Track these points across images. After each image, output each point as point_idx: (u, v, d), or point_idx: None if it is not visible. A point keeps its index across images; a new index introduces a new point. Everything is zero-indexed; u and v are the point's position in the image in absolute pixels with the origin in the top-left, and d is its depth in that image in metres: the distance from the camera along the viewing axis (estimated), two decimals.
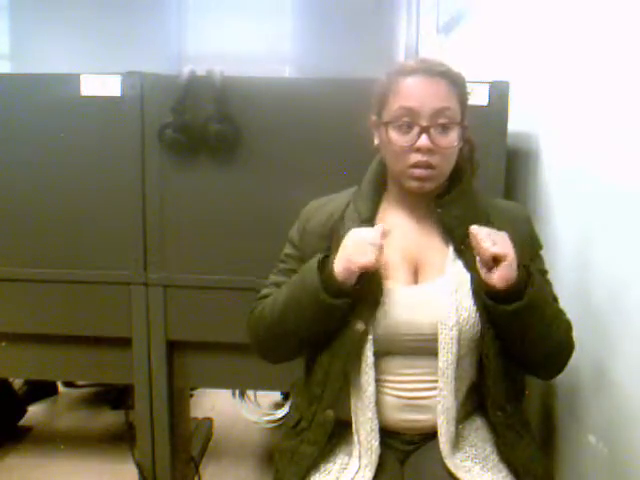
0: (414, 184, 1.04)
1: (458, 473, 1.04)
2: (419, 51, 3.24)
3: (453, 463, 1.04)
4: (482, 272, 0.98)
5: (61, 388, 2.56)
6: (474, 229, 0.98)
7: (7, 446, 2.11)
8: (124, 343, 1.61)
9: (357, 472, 1.05)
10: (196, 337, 1.62)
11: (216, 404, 2.44)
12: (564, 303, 1.27)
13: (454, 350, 1.03)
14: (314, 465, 1.08)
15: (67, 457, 2.06)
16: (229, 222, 1.55)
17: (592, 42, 1.22)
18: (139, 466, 1.70)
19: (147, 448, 1.68)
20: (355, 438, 1.07)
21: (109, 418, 2.35)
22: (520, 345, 1.05)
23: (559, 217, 1.38)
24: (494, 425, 1.08)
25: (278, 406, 2.23)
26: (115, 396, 2.39)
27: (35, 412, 2.37)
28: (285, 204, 1.45)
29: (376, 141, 1.11)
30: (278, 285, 1.15)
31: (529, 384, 1.20)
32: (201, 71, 1.49)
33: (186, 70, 1.48)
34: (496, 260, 0.96)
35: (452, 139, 1.03)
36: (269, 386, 1.75)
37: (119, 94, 1.51)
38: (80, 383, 2.53)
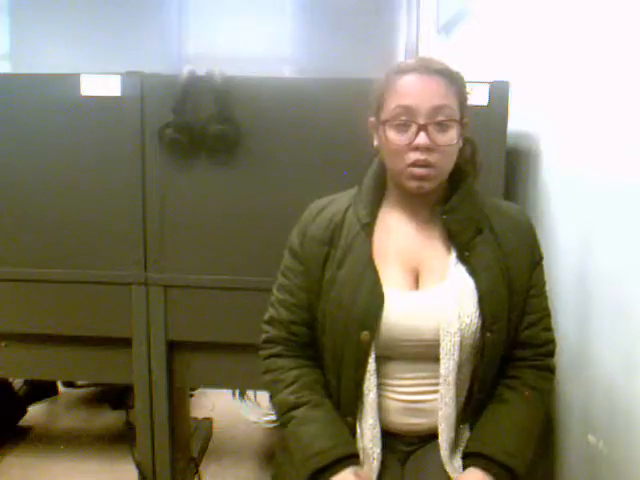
0: (413, 183, 1.03)
1: (457, 476, 1.04)
2: (419, 51, 3.24)
3: (452, 467, 1.05)
4: None
5: (61, 388, 2.56)
6: None
7: (7, 446, 2.10)
8: (124, 343, 1.61)
9: None
10: (196, 337, 1.62)
11: (216, 404, 2.44)
12: (564, 303, 1.27)
13: (456, 357, 1.03)
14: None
15: (67, 457, 2.06)
16: (229, 222, 1.55)
17: (592, 42, 1.22)
18: (139, 466, 1.70)
19: (147, 448, 1.68)
20: (359, 444, 1.07)
21: (109, 418, 2.35)
22: None
23: (559, 217, 1.38)
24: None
25: None
26: (115, 396, 2.39)
27: (35, 412, 2.37)
28: (285, 204, 1.45)
29: (375, 142, 1.10)
30: (286, 308, 1.13)
31: None
32: (201, 71, 1.49)
33: (186, 70, 1.48)
34: None
35: (451, 137, 1.02)
36: None
37: (119, 94, 1.51)
38: (80, 383, 2.52)
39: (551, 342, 1.13)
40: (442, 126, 1.01)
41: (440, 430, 1.05)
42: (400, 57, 3.31)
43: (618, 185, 1.09)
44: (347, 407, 1.08)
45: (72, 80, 1.52)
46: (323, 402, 1.09)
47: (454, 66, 1.06)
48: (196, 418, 2.23)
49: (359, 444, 1.07)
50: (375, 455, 1.05)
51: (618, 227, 1.09)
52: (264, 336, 1.16)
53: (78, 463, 2.02)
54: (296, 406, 1.08)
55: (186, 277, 1.57)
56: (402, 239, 1.10)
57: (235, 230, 1.55)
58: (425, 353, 1.05)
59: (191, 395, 2.32)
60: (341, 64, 3.07)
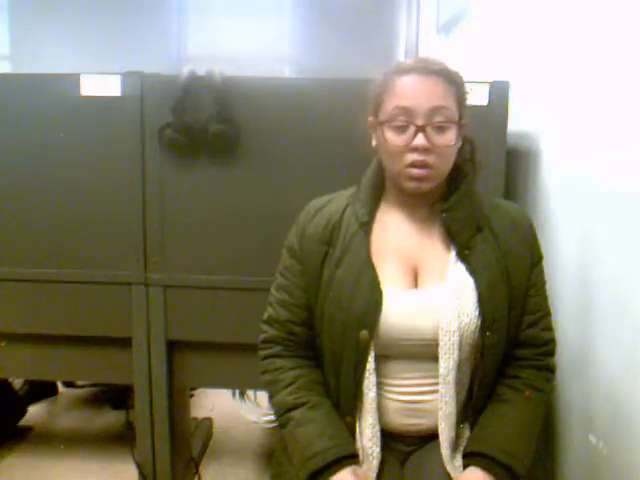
0: (411, 184, 1.04)
1: (457, 475, 1.04)
2: (419, 51, 3.24)
3: (453, 466, 1.05)
4: None
5: (61, 388, 2.56)
6: None
7: (7, 446, 2.10)
8: (124, 343, 1.61)
9: None
10: (196, 337, 1.62)
11: (216, 404, 2.44)
12: (564, 303, 1.27)
13: (455, 356, 1.03)
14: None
15: (67, 457, 2.05)
16: (229, 222, 1.55)
17: (592, 42, 1.22)
18: (139, 466, 1.70)
19: (147, 448, 1.68)
20: (359, 443, 1.07)
21: (109, 418, 2.35)
22: None
23: (559, 217, 1.38)
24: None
25: None
26: (115, 396, 2.39)
27: (35, 412, 2.37)
28: (285, 204, 1.45)
29: (374, 142, 1.10)
30: (285, 307, 1.13)
31: None
32: (201, 71, 1.49)
33: (186, 70, 1.48)
34: None
35: (449, 138, 1.02)
36: None
37: (119, 94, 1.51)
38: (80, 383, 2.53)
39: (551, 342, 1.13)
40: (440, 127, 1.01)
41: (440, 429, 1.05)
42: (400, 57, 3.31)
43: (618, 185, 1.09)
44: (346, 407, 1.08)
45: (72, 80, 1.52)
46: (322, 402, 1.09)
47: (454, 66, 1.05)
48: (196, 418, 2.23)
49: (358, 444, 1.07)
50: (375, 454, 1.05)
51: (618, 227, 1.09)
52: (263, 336, 1.16)
53: (78, 463, 2.02)
54: (294, 407, 1.08)
55: (186, 277, 1.57)
56: (401, 238, 1.10)
57: (235, 230, 1.55)
58: (424, 352, 1.05)
59: (191, 395, 2.32)
60: (341, 64, 3.07)
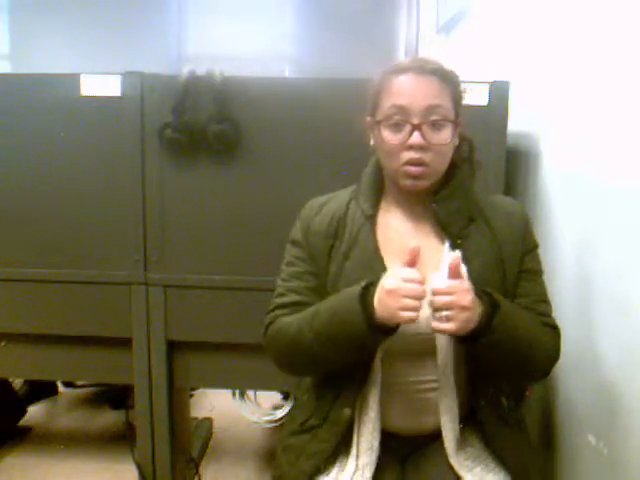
0: (408, 182, 1.04)
1: (461, 471, 1.04)
2: (419, 51, 3.24)
3: (457, 462, 1.05)
4: (438, 324, 0.95)
5: (61, 388, 2.56)
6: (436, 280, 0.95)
7: (7, 446, 2.10)
8: (124, 343, 1.61)
9: (355, 472, 1.05)
10: (196, 337, 1.62)
11: (216, 404, 2.44)
12: (564, 302, 1.27)
13: (451, 348, 1.03)
14: (325, 462, 1.08)
15: (67, 457, 2.05)
16: (229, 222, 1.55)
17: (592, 42, 1.22)
18: (139, 466, 1.70)
19: (147, 448, 1.68)
20: (355, 438, 1.07)
21: (109, 418, 2.35)
22: (500, 368, 1.06)
23: (559, 217, 1.38)
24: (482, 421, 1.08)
25: (278, 406, 2.23)
26: (115, 396, 2.39)
27: (35, 412, 2.37)
28: (285, 204, 1.45)
29: (372, 141, 1.11)
30: (295, 292, 1.11)
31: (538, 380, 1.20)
32: (201, 71, 1.49)
33: (186, 70, 1.48)
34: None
35: (445, 136, 1.02)
36: (269, 386, 1.75)
37: (119, 94, 1.51)
38: (80, 383, 2.53)
39: (551, 325, 1.10)
40: (436, 125, 1.02)
41: (443, 422, 1.05)
42: (400, 57, 3.30)
43: (618, 185, 1.09)
44: (347, 398, 1.07)
45: (72, 80, 1.52)
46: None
47: (454, 66, 1.06)
48: (196, 418, 2.23)
49: (354, 439, 1.07)
50: (374, 448, 1.06)
51: (618, 226, 1.09)
52: (267, 320, 1.13)
53: (78, 463, 2.02)
54: (310, 316, 1.05)
55: (186, 277, 1.57)
56: (401, 234, 1.10)
57: (235, 230, 1.55)
58: (424, 348, 1.05)
59: (191, 395, 2.32)
60: (341, 64, 3.07)
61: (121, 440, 2.06)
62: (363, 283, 0.99)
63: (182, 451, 1.82)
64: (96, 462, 2.02)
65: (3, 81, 1.59)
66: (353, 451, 1.07)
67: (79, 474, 1.96)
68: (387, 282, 0.95)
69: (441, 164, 1.06)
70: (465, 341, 0.97)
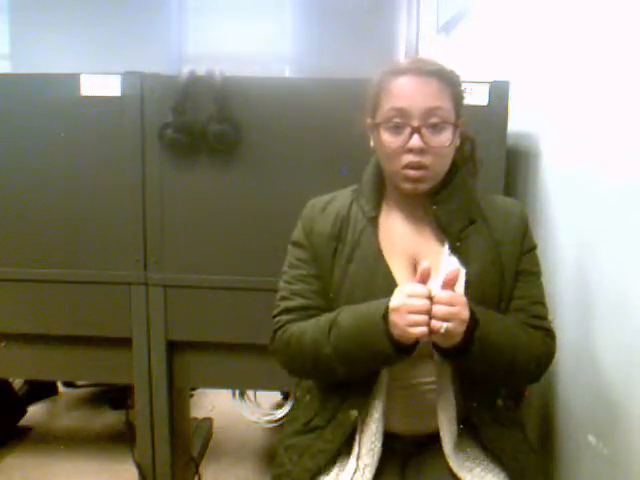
0: (408, 185, 1.04)
1: (461, 473, 1.04)
2: (419, 51, 3.24)
3: (456, 462, 1.05)
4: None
5: (61, 388, 2.56)
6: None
7: (7, 446, 2.11)
8: (124, 343, 1.61)
9: (355, 472, 1.05)
10: (196, 337, 1.62)
11: (216, 404, 2.44)
12: (563, 302, 1.26)
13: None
14: (329, 462, 1.08)
15: (67, 457, 2.06)
16: (229, 222, 1.55)
17: (592, 42, 1.22)
18: (139, 466, 1.70)
19: (147, 448, 1.68)
20: (357, 438, 1.07)
21: (109, 418, 2.35)
22: (483, 378, 1.06)
23: (559, 217, 1.38)
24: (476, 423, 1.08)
25: (278, 406, 2.23)
26: (115, 396, 2.39)
27: (35, 412, 2.37)
28: (285, 204, 1.45)
29: (372, 143, 1.10)
30: (300, 295, 1.10)
31: (529, 385, 1.20)
32: (201, 71, 1.49)
33: (186, 70, 1.48)
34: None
35: (445, 139, 1.02)
36: (269, 386, 1.75)
37: (119, 94, 1.51)
38: (80, 383, 2.53)
39: (543, 329, 1.09)
40: (436, 128, 1.01)
41: (440, 421, 1.05)
42: (400, 57, 3.30)
43: (618, 185, 1.09)
44: (354, 400, 1.07)
45: (72, 80, 1.52)
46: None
47: (454, 66, 1.06)
48: (196, 418, 2.23)
49: (356, 439, 1.07)
50: (376, 449, 1.06)
51: (618, 226, 1.09)
52: (276, 325, 1.12)
53: (78, 463, 2.02)
54: (326, 328, 1.04)
55: (186, 277, 1.57)
56: (402, 236, 1.10)
57: (235, 230, 1.55)
58: (425, 349, 1.05)
59: (191, 395, 2.32)
60: (341, 64, 3.07)
61: (121, 440, 2.06)
62: (385, 304, 0.97)
63: (182, 451, 1.82)
64: (96, 462, 2.02)
65: (3, 81, 1.59)
66: (355, 451, 1.07)
67: (79, 474, 1.96)
68: (392, 300, 0.95)
69: (441, 166, 1.05)
70: (447, 356, 0.98)
